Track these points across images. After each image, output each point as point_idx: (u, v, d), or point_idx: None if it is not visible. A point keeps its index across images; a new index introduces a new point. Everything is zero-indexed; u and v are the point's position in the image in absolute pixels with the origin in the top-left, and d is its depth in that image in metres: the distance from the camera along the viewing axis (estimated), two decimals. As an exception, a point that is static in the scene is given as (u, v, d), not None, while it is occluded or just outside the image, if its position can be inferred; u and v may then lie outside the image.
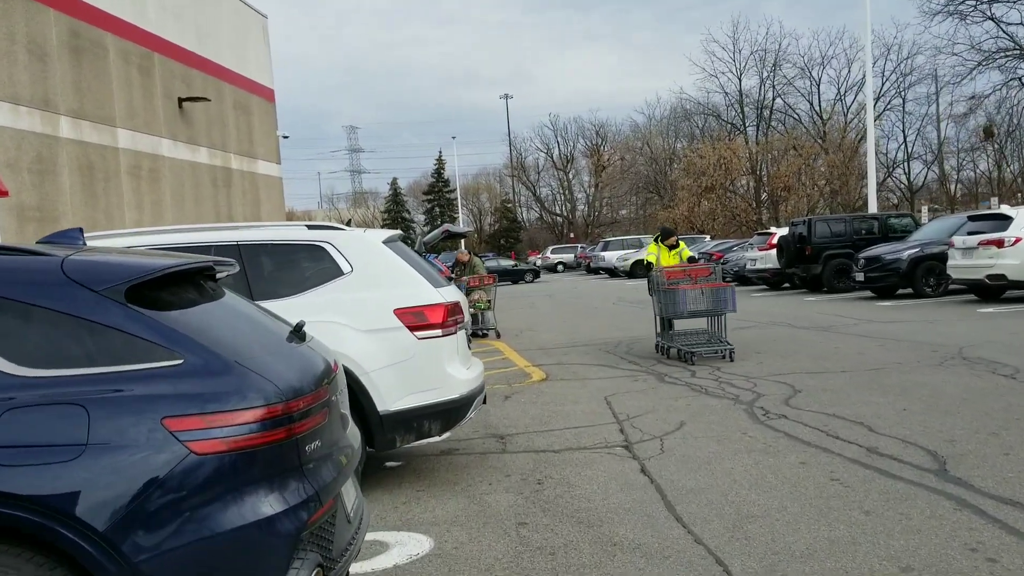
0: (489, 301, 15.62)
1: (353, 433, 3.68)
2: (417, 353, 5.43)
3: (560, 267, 53.67)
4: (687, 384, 9.01)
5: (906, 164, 51.73)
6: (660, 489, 5.26)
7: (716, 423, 6.97)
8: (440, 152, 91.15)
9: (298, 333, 3.47)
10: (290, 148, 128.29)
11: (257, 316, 3.59)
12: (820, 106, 54.81)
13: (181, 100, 22.87)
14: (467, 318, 5.98)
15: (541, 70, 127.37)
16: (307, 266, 5.68)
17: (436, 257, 21.48)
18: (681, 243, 12.78)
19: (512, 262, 44.46)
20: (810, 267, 20.75)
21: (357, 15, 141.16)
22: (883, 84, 52.92)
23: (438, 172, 79.39)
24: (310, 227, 5.75)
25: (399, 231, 6.31)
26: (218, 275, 3.65)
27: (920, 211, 28.01)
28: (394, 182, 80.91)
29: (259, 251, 5.66)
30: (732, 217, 48.32)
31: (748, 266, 24.23)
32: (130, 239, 5.50)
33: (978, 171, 60.25)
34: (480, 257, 16.82)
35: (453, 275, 16.35)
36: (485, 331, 15.94)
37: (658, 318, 11.81)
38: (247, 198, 27.25)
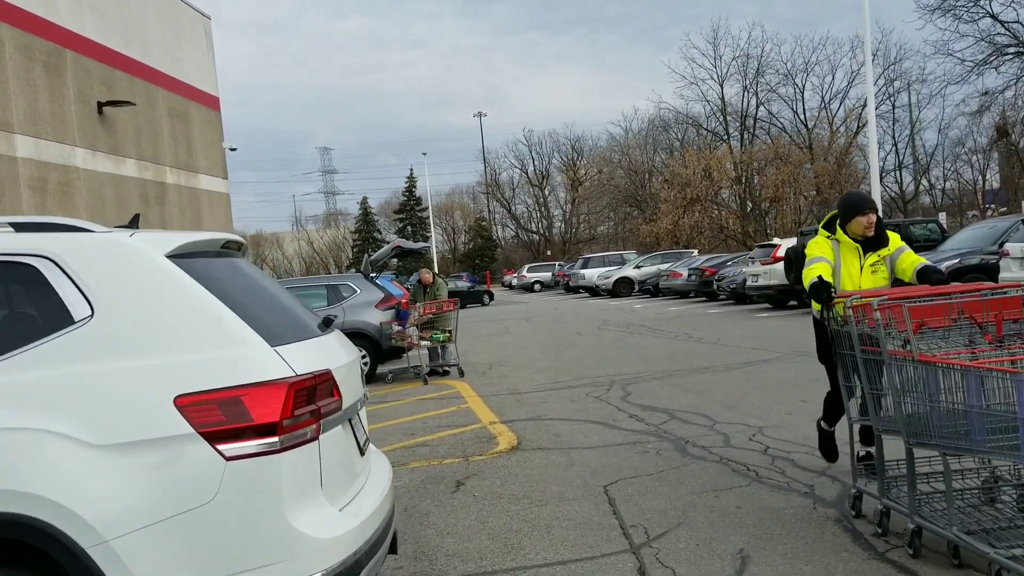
0: (450, 332, 12.73)
1: None
2: (223, 491, 2.54)
3: (537, 286, 50.80)
4: (722, 459, 6.16)
5: (897, 172, 49.49)
6: None
7: (802, 554, 4.10)
8: (411, 169, 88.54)
9: None
10: (264, 171, 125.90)
11: None
12: (805, 114, 52.59)
13: (101, 104, 19.94)
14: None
15: (515, 91, 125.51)
16: (2, 307, 2.78)
17: (395, 279, 18.60)
18: (891, 235, 5.27)
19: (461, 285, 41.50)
20: (824, 283, 18.00)
21: (329, 41, 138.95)
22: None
23: (409, 190, 76.49)
24: (19, 227, 2.83)
25: (218, 235, 3.32)
26: None
27: (939, 217, 25.59)
28: (364, 201, 77.93)
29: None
30: (719, 230, 45.73)
31: (749, 282, 21.49)
32: None
33: (962, 180, 58.42)
34: (444, 279, 13.97)
35: (412, 300, 13.48)
36: (446, 368, 13.05)
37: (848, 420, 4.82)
38: (186, 216, 24.23)
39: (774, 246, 20.98)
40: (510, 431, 7.96)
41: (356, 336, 12.82)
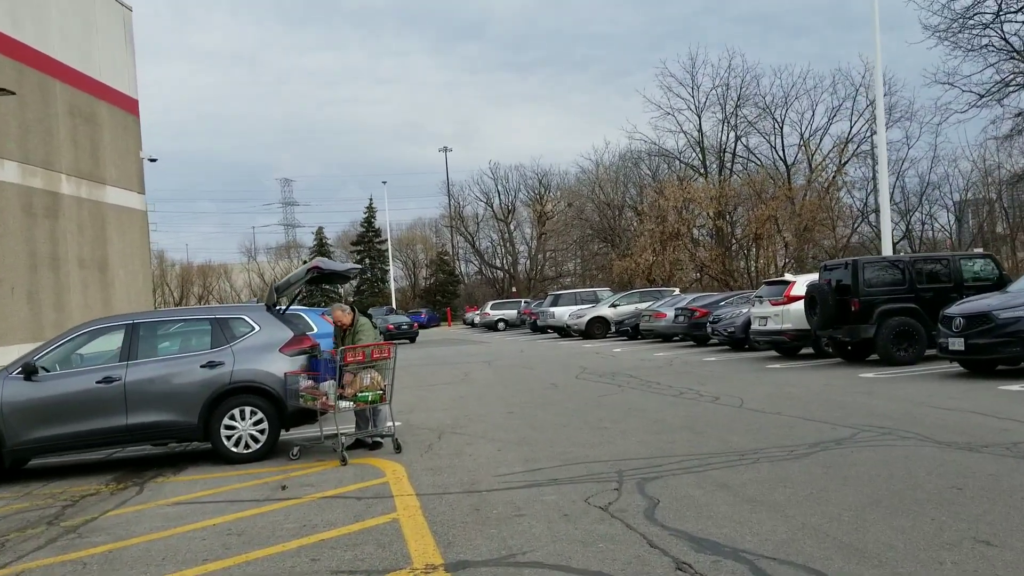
0: (383, 389, 8.99)
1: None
2: None
3: (501, 324, 47.16)
4: None
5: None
6: None
7: None
8: (371, 199, 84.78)
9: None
10: (225, 202, 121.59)
11: None
12: (784, 151, 50.08)
13: (-28, 93, 16.06)
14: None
15: (483, 128, 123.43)
16: None
17: (324, 313, 14.89)
18: None
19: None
20: (858, 328, 14.59)
21: (298, 74, 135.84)
22: (851, 127, 48.58)
23: (368, 221, 72.75)
24: None
25: None
26: None
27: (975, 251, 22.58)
28: (319, 231, 74.08)
29: None
30: (700, 267, 42.48)
31: (755, 326, 18.04)
32: None
33: (936, 226, 56.24)
34: (369, 315, 10.24)
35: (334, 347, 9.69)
36: (378, 439, 9.30)
37: None
38: (86, 234, 20.23)
39: (787, 283, 17.58)
40: (460, 597, 4.25)
41: (250, 392, 9.02)
